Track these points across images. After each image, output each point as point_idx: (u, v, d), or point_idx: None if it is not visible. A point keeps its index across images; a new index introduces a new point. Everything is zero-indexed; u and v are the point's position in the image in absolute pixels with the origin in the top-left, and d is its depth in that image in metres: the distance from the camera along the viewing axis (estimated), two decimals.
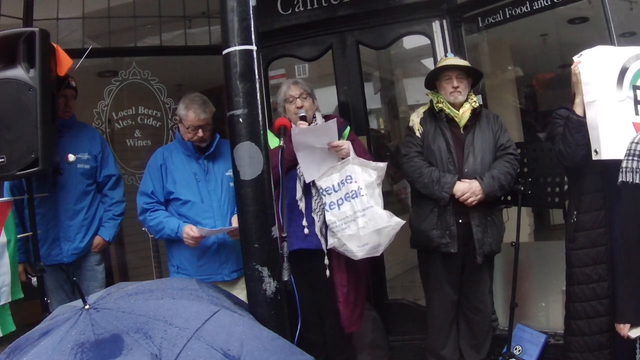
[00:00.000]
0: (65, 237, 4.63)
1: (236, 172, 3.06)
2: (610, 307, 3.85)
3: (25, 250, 4.50)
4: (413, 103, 7.70)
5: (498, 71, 6.79)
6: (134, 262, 6.49)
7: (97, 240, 4.79)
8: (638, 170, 3.32)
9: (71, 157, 4.64)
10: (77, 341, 2.32)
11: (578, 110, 3.91)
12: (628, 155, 3.39)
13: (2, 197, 4.49)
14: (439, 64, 4.65)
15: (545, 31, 6.69)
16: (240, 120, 3.03)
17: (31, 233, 4.37)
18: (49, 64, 4.15)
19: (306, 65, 6.81)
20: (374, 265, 5.27)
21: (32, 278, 4.38)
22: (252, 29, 3.07)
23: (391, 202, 6.45)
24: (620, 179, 3.40)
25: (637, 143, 3.38)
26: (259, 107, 3.07)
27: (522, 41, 6.76)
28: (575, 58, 3.89)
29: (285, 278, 3.04)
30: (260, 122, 3.06)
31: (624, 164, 3.39)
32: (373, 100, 8.07)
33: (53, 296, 4.48)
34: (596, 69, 3.78)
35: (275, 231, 3.10)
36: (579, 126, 3.87)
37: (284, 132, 4.02)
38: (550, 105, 4.27)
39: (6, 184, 4.60)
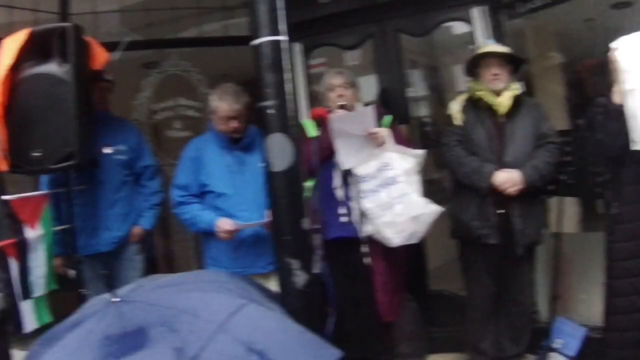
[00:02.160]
0: (104, 226, 4.66)
1: (267, 164, 3.06)
2: None
3: (63, 243, 4.51)
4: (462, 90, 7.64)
5: (542, 58, 6.68)
6: (179, 253, 6.55)
7: (136, 229, 4.80)
8: None
9: (109, 149, 4.67)
10: (105, 333, 2.33)
11: (617, 99, 3.79)
12: None
13: (41, 190, 4.54)
14: (479, 51, 4.57)
15: (590, 16, 6.56)
16: (271, 111, 3.01)
17: (69, 225, 4.41)
18: (83, 59, 4.16)
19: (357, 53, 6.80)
20: (414, 255, 5.21)
21: (70, 270, 4.43)
22: (282, 19, 3.10)
23: (436, 190, 6.38)
24: None
25: None
26: (290, 98, 3.06)
27: (567, 27, 6.64)
28: (612, 45, 3.78)
29: (317, 270, 3.03)
30: (291, 114, 3.05)
31: None
32: (419, 87, 8.04)
33: (91, 287, 4.50)
34: (635, 56, 3.66)
35: (306, 223, 3.09)
36: (618, 114, 3.75)
37: (320, 122, 4.00)
38: (596, 93, 4.19)
39: (44, 178, 4.66)
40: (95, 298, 2.77)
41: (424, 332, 5.06)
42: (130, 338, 2.30)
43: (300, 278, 3.03)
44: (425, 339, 5.06)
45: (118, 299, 2.50)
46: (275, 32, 3.09)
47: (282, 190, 3.05)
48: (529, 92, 5.93)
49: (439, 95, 8.02)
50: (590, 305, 4.72)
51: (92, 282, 4.60)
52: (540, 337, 4.68)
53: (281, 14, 3.11)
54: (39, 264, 4.09)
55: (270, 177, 3.07)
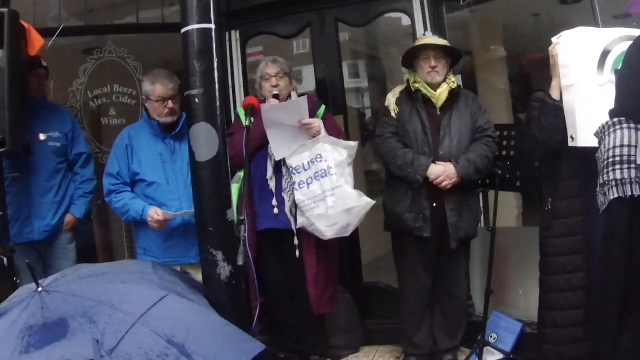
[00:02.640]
0: (37, 215, 4.63)
1: (191, 153, 3.03)
2: (586, 299, 3.77)
3: None
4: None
5: (487, 50, 6.69)
6: (117, 241, 6.47)
7: (68, 217, 4.77)
8: (638, 179, 2.91)
9: (42, 136, 4.62)
10: (27, 324, 2.34)
11: (554, 94, 3.78)
12: (619, 162, 2.94)
13: None
14: (417, 43, 4.54)
15: (537, 11, 6.60)
16: (197, 100, 3.00)
17: (1, 213, 4.33)
18: (18, 44, 4.09)
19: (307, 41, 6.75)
20: (349, 247, 5.21)
21: (4, 258, 4.34)
22: (211, 7, 3.03)
23: (374, 181, 6.39)
24: (613, 195, 2.97)
25: (623, 146, 2.91)
26: (217, 87, 3.02)
27: (514, 21, 6.66)
28: (554, 39, 3.76)
29: (240, 262, 3.00)
30: (218, 103, 3.02)
31: (615, 175, 2.93)
32: (360, 78, 8.03)
33: (24, 276, 4.38)
34: (575, 51, 3.64)
35: (230, 214, 3.06)
36: (555, 110, 3.75)
37: (251, 111, 3.96)
38: (540, 87, 4.22)
39: None
40: (22, 287, 2.75)
41: (359, 324, 5.07)
42: (50, 329, 2.31)
43: (224, 270, 2.99)
44: (360, 331, 5.08)
45: (41, 289, 2.50)
46: (204, 20, 3.02)
47: (206, 180, 3.03)
48: (472, 84, 5.95)
49: (380, 87, 8.01)
50: (527, 300, 4.76)
51: (25, 271, 4.42)
52: (476, 331, 4.66)
53: (211, 2, 3.03)
54: None
55: (195, 166, 3.04)
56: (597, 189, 3.08)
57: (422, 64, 4.45)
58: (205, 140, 2.99)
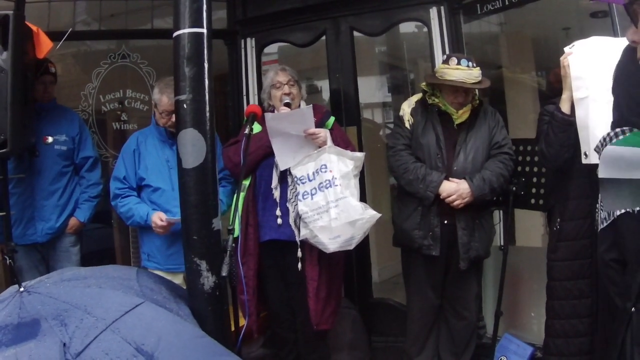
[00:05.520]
0: (40, 217, 4.66)
1: (179, 160, 3.00)
2: (592, 327, 3.63)
3: (2, 231, 4.47)
4: None
5: (517, 64, 6.58)
6: (136, 247, 6.49)
7: (72, 221, 4.79)
8: None
9: (49, 139, 4.66)
10: (3, 322, 2.37)
11: (564, 107, 3.65)
12: None
13: None
14: (447, 74, 4.20)
15: (568, 25, 6.47)
16: (185, 106, 2.95)
17: (4, 213, 4.34)
18: (24, 47, 4.12)
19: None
20: (359, 262, 5.14)
21: (7, 259, 4.36)
22: (204, 11, 2.98)
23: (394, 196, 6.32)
24: (620, 210, 2.95)
25: None
26: (207, 93, 2.97)
27: (544, 35, 6.55)
28: (566, 49, 3.62)
29: (224, 273, 2.93)
30: (207, 109, 2.97)
31: None
32: (382, 91, 7.94)
33: (27, 276, 4.38)
34: (589, 62, 3.50)
35: (216, 223, 3.01)
36: (564, 125, 3.61)
37: (252, 120, 3.89)
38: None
39: None
40: (11, 287, 2.73)
41: (365, 341, 4.98)
42: (23, 328, 2.34)
43: (207, 280, 2.93)
44: (365, 348, 5.00)
45: (22, 290, 2.53)
46: (197, 24, 2.96)
47: (192, 188, 2.99)
48: (500, 100, 5.83)
49: (398, 98, 7.91)
50: (540, 323, 4.58)
51: (27, 272, 4.58)
52: (486, 354, 4.57)
53: (204, 7, 2.98)
54: None
55: (181, 173, 3.01)
56: (598, 205, 2.95)
57: (448, 93, 4.27)
58: (192, 147, 2.95)
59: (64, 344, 2.24)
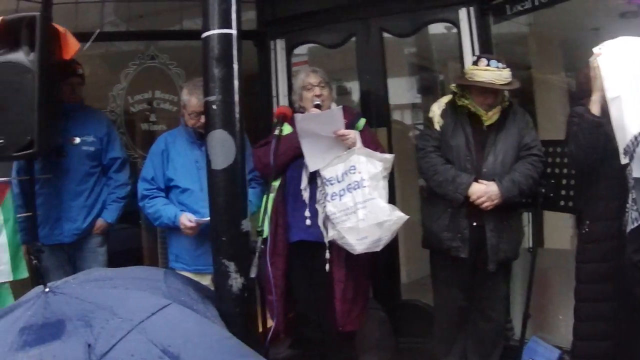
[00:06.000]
0: (67, 218, 4.67)
1: (207, 161, 2.96)
2: (617, 330, 3.58)
3: (28, 232, 4.47)
4: None
5: (546, 65, 6.53)
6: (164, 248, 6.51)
7: (99, 222, 4.79)
8: None
9: (76, 140, 4.67)
10: (27, 323, 2.32)
11: (594, 109, 3.61)
12: None
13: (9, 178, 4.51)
14: (477, 75, 4.16)
15: (596, 25, 6.40)
16: (214, 107, 2.92)
17: (30, 213, 4.36)
18: (50, 48, 4.13)
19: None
20: (387, 263, 5.12)
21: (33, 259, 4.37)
22: (233, 12, 2.94)
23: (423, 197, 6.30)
24: None
25: None
26: (236, 94, 2.94)
27: (572, 35, 6.48)
28: (595, 49, 3.55)
29: (253, 275, 2.92)
30: (237, 110, 2.94)
31: None
32: (411, 93, 7.90)
33: (53, 276, 4.38)
34: (619, 62, 3.41)
35: (245, 225, 2.97)
36: (593, 126, 3.57)
37: (281, 121, 3.89)
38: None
39: (14, 165, 4.65)
40: (36, 287, 2.67)
41: (392, 343, 4.96)
42: (47, 329, 2.29)
43: (236, 282, 2.92)
44: (392, 350, 4.98)
45: (48, 290, 2.47)
46: (225, 25, 2.95)
47: (220, 189, 2.97)
48: (529, 101, 5.79)
49: (428, 99, 7.87)
50: (568, 326, 4.54)
51: (54, 272, 4.58)
52: (513, 356, 4.53)
53: (233, 7, 2.97)
54: (1, 250, 4.08)
55: (210, 175, 2.98)
56: (628, 205, 2.92)
57: (478, 94, 4.22)
58: (221, 148, 2.93)
59: (89, 345, 2.19)
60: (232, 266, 2.91)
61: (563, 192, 4.24)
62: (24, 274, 4.20)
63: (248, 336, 2.79)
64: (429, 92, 7.88)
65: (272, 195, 4.19)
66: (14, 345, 2.22)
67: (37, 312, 2.37)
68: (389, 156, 4.20)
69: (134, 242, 6.53)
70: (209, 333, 2.53)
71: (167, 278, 2.88)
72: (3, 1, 5.17)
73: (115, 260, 4.82)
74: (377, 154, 4.18)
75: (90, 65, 4.96)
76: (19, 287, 4.12)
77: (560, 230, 5.47)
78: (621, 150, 3.35)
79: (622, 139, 3.34)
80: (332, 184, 4.15)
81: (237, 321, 2.88)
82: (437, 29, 6.23)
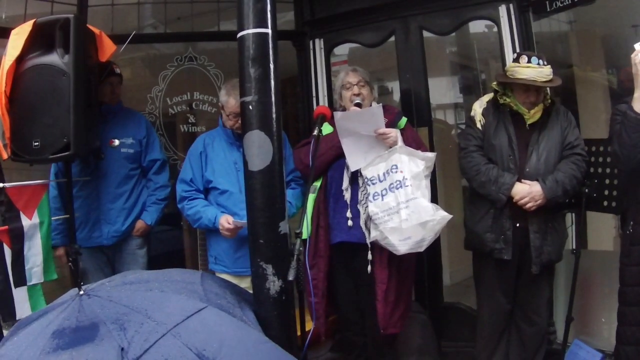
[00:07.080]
0: (106, 220, 4.66)
1: (245, 162, 2.95)
2: None
3: (66, 234, 4.52)
4: None
5: (587, 63, 6.41)
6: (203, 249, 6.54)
7: (139, 224, 4.78)
8: None
9: (115, 142, 4.66)
10: (60, 326, 2.35)
11: (637, 107, 3.51)
12: None
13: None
14: (518, 72, 4.09)
15: (637, 22, 6.28)
16: (251, 107, 2.90)
17: (68, 216, 4.38)
18: (85, 50, 4.13)
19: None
20: (430, 265, 5.06)
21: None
22: (268, 11, 2.92)
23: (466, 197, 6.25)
24: None
25: None
26: (273, 94, 2.91)
27: (614, 32, 6.36)
28: (636, 46, 3.48)
29: (291, 278, 2.87)
30: (274, 110, 2.91)
31: None
32: (453, 92, 7.81)
33: (92, 279, 4.41)
34: None
35: (283, 227, 2.95)
36: (637, 124, 3.48)
37: (321, 121, 3.84)
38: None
39: (52, 168, 4.68)
40: (71, 290, 2.72)
41: (434, 346, 4.90)
42: (81, 332, 2.30)
43: (273, 285, 2.88)
44: (434, 353, 4.91)
45: (82, 293, 2.50)
46: (261, 25, 2.92)
47: (258, 191, 2.94)
48: (571, 99, 5.68)
49: (469, 98, 7.78)
50: (611, 329, 4.43)
51: (93, 274, 4.59)
52: (556, 359, 4.46)
53: (268, 6, 2.93)
54: (35, 252, 4.09)
55: (247, 176, 2.96)
56: None
57: (520, 92, 4.15)
58: (258, 149, 2.90)
59: (122, 349, 2.20)
60: (269, 269, 2.89)
61: (606, 192, 4.12)
62: (54, 275, 4.24)
63: (286, 340, 2.80)
64: (471, 91, 7.78)
65: (313, 196, 4.18)
66: (45, 348, 2.24)
67: (70, 315, 2.39)
68: (430, 154, 4.14)
69: (176, 244, 6.55)
70: (245, 337, 2.52)
71: (204, 281, 2.88)
72: (38, 5, 5.19)
73: (157, 262, 4.85)
74: (419, 152, 4.12)
75: (129, 68, 4.97)
76: (55, 289, 4.15)
77: (603, 231, 5.36)
78: None
79: None
80: (374, 184, 4.09)
81: (275, 324, 2.87)
82: (477, 27, 6.17)
